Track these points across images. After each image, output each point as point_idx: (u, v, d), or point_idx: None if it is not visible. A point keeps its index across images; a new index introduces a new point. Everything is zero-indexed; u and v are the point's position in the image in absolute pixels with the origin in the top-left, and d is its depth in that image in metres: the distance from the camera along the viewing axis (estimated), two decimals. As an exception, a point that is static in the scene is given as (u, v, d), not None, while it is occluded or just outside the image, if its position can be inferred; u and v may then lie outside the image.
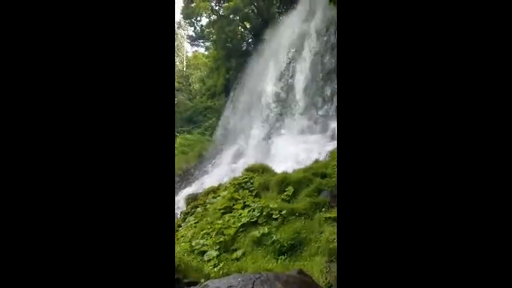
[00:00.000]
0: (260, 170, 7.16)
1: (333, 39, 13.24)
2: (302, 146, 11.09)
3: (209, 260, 4.50)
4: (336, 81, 12.61)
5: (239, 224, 5.08)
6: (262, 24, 19.11)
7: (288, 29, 15.85)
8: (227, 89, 20.20)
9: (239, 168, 10.19)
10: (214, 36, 21.28)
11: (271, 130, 14.35)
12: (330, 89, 12.87)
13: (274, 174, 6.84)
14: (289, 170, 7.04)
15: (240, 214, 5.40)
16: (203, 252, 4.73)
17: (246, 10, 19.15)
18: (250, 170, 7.29)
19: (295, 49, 14.94)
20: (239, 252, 4.49)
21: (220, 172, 12.97)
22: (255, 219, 5.11)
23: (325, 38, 13.58)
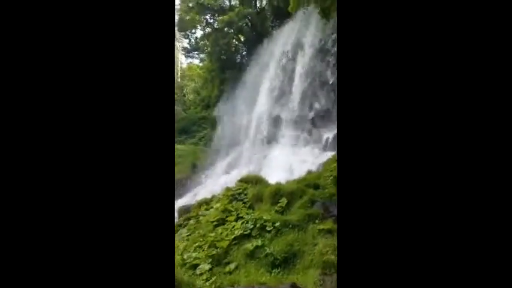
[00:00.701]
0: (254, 180, 7.13)
1: (326, 52, 13.58)
2: (296, 157, 11.14)
3: (201, 274, 4.41)
4: (330, 93, 12.86)
5: (232, 237, 5.00)
6: (256, 37, 19.49)
7: (282, 42, 16.20)
8: (221, 99, 20.33)
9: (233, 179, 10.14)
10: (209, 49, 21.57)
11: (266, 141, 14.40)
12: (324, 101, 13.09)
13: (268, 185, 6.82)
14: (283, 181, 7.04)
15: (233, 226, 5.34)
16: (195, 266, 4.62)
17: (240, 24, 19.55)
18: (244, 180, 7.24)
19: (289, 62, 15.22)
20: (232, 266, 4.41)
21: (213, 183, 12.87)
22: (249, 231, 5.05)
23: (319, 52, 13.92)
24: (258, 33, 19.60)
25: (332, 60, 13.04)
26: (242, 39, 21.25)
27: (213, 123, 19.78)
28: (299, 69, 14.46)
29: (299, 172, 8.70)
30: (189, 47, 25.60)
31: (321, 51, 13.69)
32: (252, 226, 5.12)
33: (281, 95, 14.99)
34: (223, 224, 5.64)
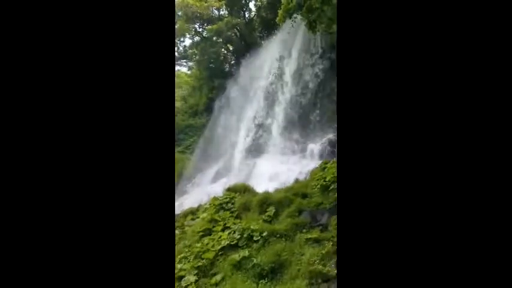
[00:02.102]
0: (242, 189, 7.10)
1: (313, 62, 13.92)
2: (283, 166, 11.19)
3: (187, 286, 4.30)
4: (317, 103, 13.12)
5: (219, 247, 4.93)
6: (245, 47, 19.75)
7: (269, 52, 16.49)
8: (209, 108, 20.29)
9: (220, 188, 10.04)
10: (197, 57, 21.61)
11: (253, 150, 14.42)
12: (312, 110, 13.34)
13: (256, 194, 6.80)
14: (271, 190, 7.04)
15: (220, 237, 5.27)
16: (181, 278, 4.51)
17: (229, 33, 19.77)
18: (232, 189, 7.20)
19: (277, 72, 15.47)
20: (218, 277, 4.33)
21: (200, 192, 12.68)
22: (236, 241, 5.00)
23: (306, 62, 14.24)
24: (246, 43, 19.87)
25: (319, 71, 13.37)
26: (231, 49, 21.47)
27: (200, 132, 19.63)
28: (287, 79, 14.71)
29: (286, 181, 8.73)
30: (177, 55, 25.55)
31: (308, 63, 14.02)
32: (239, 236, 5.07)
33: (269, 104, 15.14)
34: (210, 235, 5.56)
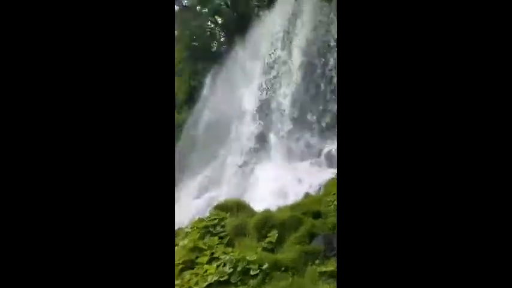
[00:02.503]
0: (234, 207, 7.13)
1: (326, 40, 13.99)
2: (289, 176, 11.22)
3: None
4: (332, 91, 13.17)
5: (204, 285, 4.92)
6: (238, 19, 19.79)
7: (270, 27, 16.55)
8: (192, 99, 20.32)
9: (205, 205, 10.03)
10: (176, 32, 21.66)
11: (249, 155, 14.44)
12: (325, 101, 13.38)
13: (253, 213, 6.82)
14: (273, 208, 7.05)
15: (206, 271, 5.28)
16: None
17: (218, 1, 19.82)
18: (221, 208, 7.24)
19: (280, 52, 15.53)
20: (204, 326, 4.30)
21: (179, 210, 12.65)
22: (226, 277, 5.00)
23: (316, 39, 14.31)
24: (240, 15, 19.93)
25: (334, 52, 13.43)
26: (219, 22, 21.53)
27: (181, 130, 19.63)
28: (294, 62, 14.78)
29: (294, 195, 8.76)
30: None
31: (321, 41, 14.10)
32: (231, 270, 5.07)
33: (271, 95, 15.20)
34: (192, 268, 5.56)
